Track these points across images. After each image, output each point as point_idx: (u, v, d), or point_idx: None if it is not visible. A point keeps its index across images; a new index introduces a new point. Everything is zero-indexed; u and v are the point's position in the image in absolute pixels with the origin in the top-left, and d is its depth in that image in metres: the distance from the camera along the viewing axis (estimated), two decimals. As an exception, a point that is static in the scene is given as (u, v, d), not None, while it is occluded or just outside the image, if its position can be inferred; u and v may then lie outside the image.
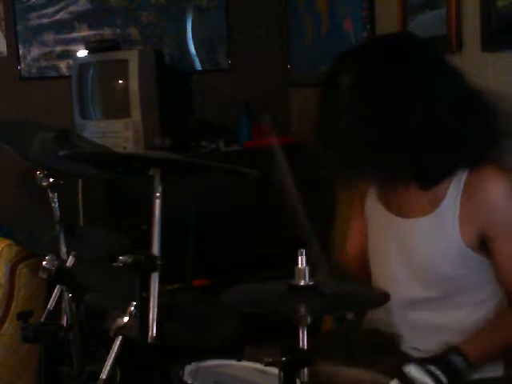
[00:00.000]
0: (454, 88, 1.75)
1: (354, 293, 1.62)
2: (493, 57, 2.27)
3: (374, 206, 1.97)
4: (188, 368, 1.69)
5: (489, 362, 1.77)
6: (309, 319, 1.45)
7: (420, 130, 1.70)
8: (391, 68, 1.73)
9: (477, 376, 1.80)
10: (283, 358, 1.41)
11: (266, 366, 1.48)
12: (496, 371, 1.85)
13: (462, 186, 1.78)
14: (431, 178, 1.78)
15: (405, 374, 1.62)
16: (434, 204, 1.81)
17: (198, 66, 4.14)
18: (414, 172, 1.77)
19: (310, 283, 1.48)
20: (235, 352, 1.74)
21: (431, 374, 1.62)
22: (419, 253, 1.84)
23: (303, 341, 1.45)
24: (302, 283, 1.48)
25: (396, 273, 1.89)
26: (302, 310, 1.46)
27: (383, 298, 1.55)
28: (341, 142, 1.77)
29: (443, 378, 1.62)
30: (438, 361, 1.66)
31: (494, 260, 1.78)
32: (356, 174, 1.81)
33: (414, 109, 1.70)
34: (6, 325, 2.63)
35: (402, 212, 1.89)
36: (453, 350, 1.68)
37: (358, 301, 1.58)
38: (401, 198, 1.88)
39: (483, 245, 1.78)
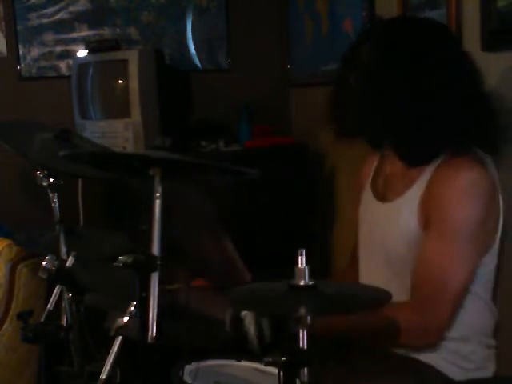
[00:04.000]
0: (458, 74, 1.78)
1: (354, 293, 1.62)
2: (493, 57, 2.27)
3: (367, 197, 2.01)
4: (188, 368, 1.69)
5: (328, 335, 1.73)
6: (309, 319, 1.45)
7: (410, 110, 1.73)
8: (398, 46, 1.83)
9: (468, 376, 1.80)
10: (283, 358, 1.41)
11: (265, 365, 1.48)
12: (487, 372, 1.85)
13: (432, 171, 1.79)
14: (416, 155, 1.81)
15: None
16: (406, 187, 1.84)
17: (198, 66, 4.14)
18: (402, 146, 1.80)
19: (310, 283, 1.48)
20: (235, 352, 1.74)
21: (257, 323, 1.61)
22: (384, 236, 1.87)
23: (303, 341, 1.45)
24: (302, 283, 1.48)
25: (368, 258, 1.91)
26: (302, 310, 1.46)
27: (384, 298, 1.54)
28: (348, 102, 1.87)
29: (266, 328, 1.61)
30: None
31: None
32: (353, 129, 1.89)
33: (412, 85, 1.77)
34: (5, 325, 2.63)
35: (382, 197, 1.94)
36: None
37: (358, 301, 1.58)
38: (386, 183, 1.92)
39: None
